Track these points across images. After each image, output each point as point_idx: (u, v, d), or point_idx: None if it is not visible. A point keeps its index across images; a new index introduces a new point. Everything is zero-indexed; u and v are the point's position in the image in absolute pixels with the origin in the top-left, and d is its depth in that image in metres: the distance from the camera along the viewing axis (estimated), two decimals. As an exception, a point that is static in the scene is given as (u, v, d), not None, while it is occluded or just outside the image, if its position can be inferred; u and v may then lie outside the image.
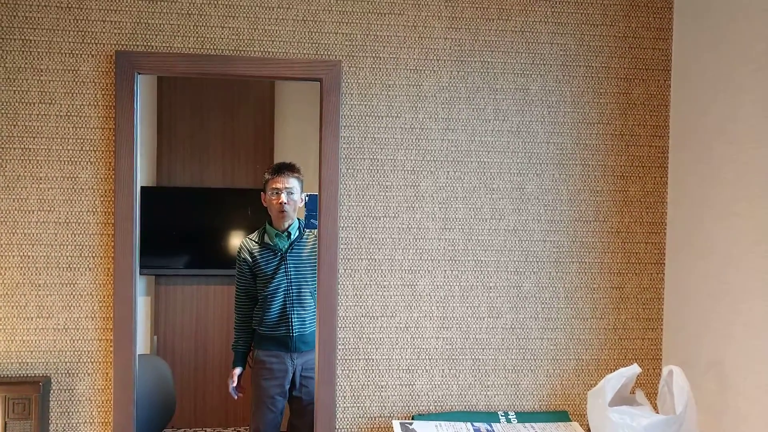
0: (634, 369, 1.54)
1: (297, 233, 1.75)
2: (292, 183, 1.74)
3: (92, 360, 1.62)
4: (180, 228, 1.79)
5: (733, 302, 1.54)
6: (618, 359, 1.79)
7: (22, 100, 1.59)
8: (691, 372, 1.63)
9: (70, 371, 1.62)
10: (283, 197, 1.72)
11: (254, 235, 1.76)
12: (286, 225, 1.75)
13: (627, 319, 1.79)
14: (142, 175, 1.66)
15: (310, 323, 1.76)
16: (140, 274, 1.65)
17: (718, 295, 1.59)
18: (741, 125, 1.52)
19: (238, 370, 1.78)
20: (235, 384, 1.78)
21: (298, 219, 1.75)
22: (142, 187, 1.65)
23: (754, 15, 1.49)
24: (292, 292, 1.75)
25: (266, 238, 1.75)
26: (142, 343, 1.68)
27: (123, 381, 1.60)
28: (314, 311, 1.73)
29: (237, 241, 1.77)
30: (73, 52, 1.60)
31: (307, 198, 1.75)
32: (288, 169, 1.74)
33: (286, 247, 1.74)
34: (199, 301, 1.79)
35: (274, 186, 1.73)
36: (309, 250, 1.76)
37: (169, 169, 1.74)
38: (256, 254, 1.75)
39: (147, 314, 1.71)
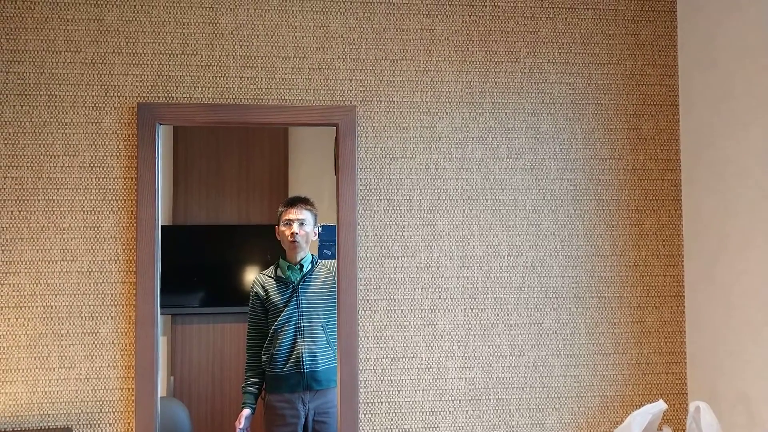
0: (661, 405, 1.52)
1: (310, 266, 1.76)
2: (305, 215, 1.75)
3: (114, 410, 1.62)
4: (196, 266, 1.80)
5: (756, 334, 1.53)
6: (643, 395, 1.77)
7: (47, 153, 1.63)
8: (718, 407, 1.61)
9: (91, 422, 1.61)
10: (295, 227, 1.74)
11: (268, 270, 1.77)
12: (299, 257, 1.76)
13: (650, 353, 1.78)
14: (159, 214, 1.67)
15: (321, 360, 1.74)
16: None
17: (741, 327, 1.58)
18: (750, 157, 1.54)
19: (246, 412, 1.75)
20: (242, 426, 1.75)
21: (312, 254, 1.76)
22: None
23: (756, 52, 1.53)
24: (303, 326, 1.74)
25: (279, 272, 1.76)
26: (160, 385, 1.67)
27: (145, 430, 1.58)
28: (325, 347, 1.73)
29: (253, 277, 1.77)
30: (97, 105, 1.65)
31: (320, 229, 1.76)
32: (301, 201, 1.77)
33: (298, 279, 1.75)
34: (216, 339, 1.78)
35: (286, 218, 1.75)
36: (321, 283, 1.76)
37: (186, 208, 1.76)
38: (268, 287, 1.75)
39: (164, 355, 1.71)
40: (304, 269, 1.76)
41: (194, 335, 1.77)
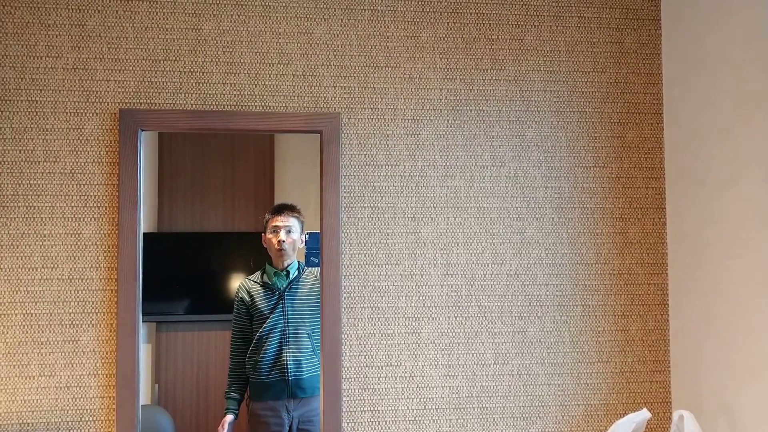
0: (644, 414, 1.51)
1: (296, 273, 1.75)
2: (292, 222, 1.74)
3: (94, 419, 1.60)
4: (181, 274, 1.79)
5: (740, 342, 1.53)
6: (627, 403, 1.77)
7: (28, 159, 1.62)
8: (701, 416, 1.61)
9: (71, 431, 1.59)
10: (282, 235, 1.73)
11: (254, 276, 1.75)
12: (285, 264, 1.74)
13: (634, 362, 1.78)
14: (144, 221, 1.67)
15: (306, 367, 1.73)
16: (141, 321, 1.64)
17: (724, 337, 1.58)
18: (734, 165, 1.55)
19: (229, 418, 1.73)
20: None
21: (298, 261, 1.75)
22: (143, 234, 1.65)
23: (740, 60, 1.53)
24: (289, 333, 1.73)
25: (265, 278, 1.75)
26: (143, 393, 1.66)
27: (125, 439, 1.57)
28: (311, 355, 1.72)
29: (238, 285, 1.76)
30: (78, 111, 1.64)
31: (307, 237, 1.75)
32: (288, 209, 1.75)
33: (284, 286, 1.74)
34: (200, 347, 1.77)
35: (273, 225, 1.74)
36: (308, 290, 1.75)
37: (170, 215, 1.75)
38: (253, 293, 1.74)
39: (148, 362, 1.69)
40: (291, 276, 1.74)
41: (179, 343, 1.76)
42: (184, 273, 1.78)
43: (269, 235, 1.74)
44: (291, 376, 1.71)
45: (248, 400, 1.75)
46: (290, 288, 1.74)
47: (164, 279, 1.74)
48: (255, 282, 1.74)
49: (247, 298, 1.73)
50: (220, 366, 1.76)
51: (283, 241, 1.72)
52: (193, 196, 1.76)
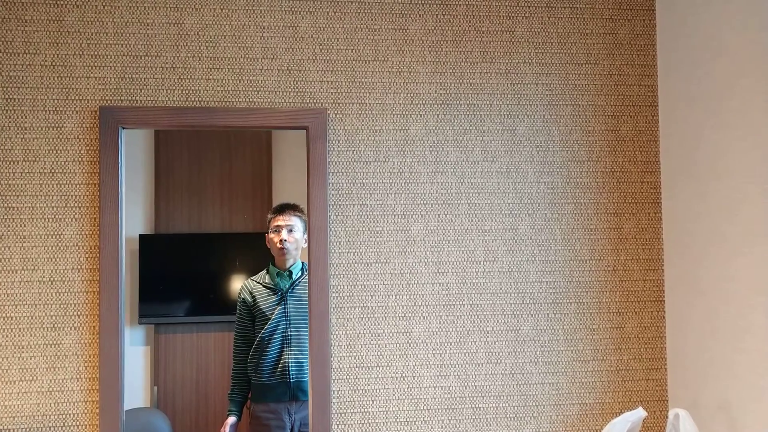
0: (640, 413, 1.49)
1: (299, 273, 1.73)
2: (294, 221, 1.73)
3: (77, 423, 1.57)
4: (179, 275, 1.77)
5: (737, 340, 1.50)
6: (623, 402, 1.73)
7: (6, 159, 1.58)
8: (698, 414, 1.58)
9: (54, 436, 1.56)
10: (284, 234, 1.71)
11: (258, 276, 1.74)
12: (288, 264, 1.73)
13: (629, 360, 1.74)
14: (141, 223, 1.65)
15: (308, 370, 1.71)
16: (139, 323, 1.63)
17: (722, 333, 1.55)
18: (730, 159, 1.51)
19: (231, 420, 1.72)
20: None
21: (302, 262, 1.73)
22: (140, 235, 1.64)
23: (736, 52, 1.50)
24: (290, 334, 1.71)
25: (267, 278, 1.73)
26: (142, 396, 1.64)
27: (109, 445, 1.54)
28: None
29: (236, 286, 1.75)
30: (57, 108, 1.60)
31: None
32: (290, 208, 1.74)
33: (287, 286, 1.72)
34: (200, 349, 1.76)
35: (275, 224, 1.73)
36: None
37: (167, 216, 1.73)
38: (255, 294, 1.72)
39: (147, 365, 1.68)
40: (294, 276, 1.73)
41: (178, 345, 1.74)
42: (182, 274, 1.77)
43: (271, 235, 1.72)
44: (292, 378, 1.69)
45: (250, 401, 1.73)
46: (293, 289, 1.72)
47: (162, 281, 1.72)
48: (258, 282, 1.73)
49: (249, 298, 1.72)
50: (219, 368, 1.74)
51: (285, 240, 1.71)
52: (190, 196, 1.74)
